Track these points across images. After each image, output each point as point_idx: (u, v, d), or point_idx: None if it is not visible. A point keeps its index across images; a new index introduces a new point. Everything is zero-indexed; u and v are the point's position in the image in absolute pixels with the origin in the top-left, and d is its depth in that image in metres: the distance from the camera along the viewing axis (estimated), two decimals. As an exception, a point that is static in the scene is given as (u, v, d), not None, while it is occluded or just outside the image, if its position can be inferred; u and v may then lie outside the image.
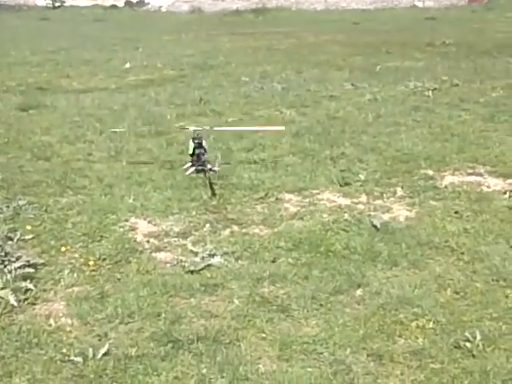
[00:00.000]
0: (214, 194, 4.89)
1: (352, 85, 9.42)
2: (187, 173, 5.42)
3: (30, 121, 7.71)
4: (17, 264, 3.65)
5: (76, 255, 3.98)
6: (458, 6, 27.03)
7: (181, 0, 31.20)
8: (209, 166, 5.27)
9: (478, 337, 2.98)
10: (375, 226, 4.27)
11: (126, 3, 32.26)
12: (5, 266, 3.64)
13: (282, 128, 6.38)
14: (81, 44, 16.03)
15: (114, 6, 31.65)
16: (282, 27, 20.06)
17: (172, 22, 23.92)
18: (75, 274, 3.72)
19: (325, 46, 14.59)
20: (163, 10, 31.06)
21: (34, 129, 7.21)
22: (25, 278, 3.57)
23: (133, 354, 2.96)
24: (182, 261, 3.84)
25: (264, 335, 3.10)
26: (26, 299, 3.43)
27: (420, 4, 31.82)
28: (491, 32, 16.30)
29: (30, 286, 3.51)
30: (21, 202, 4.76)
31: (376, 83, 9.55)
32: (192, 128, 5.69)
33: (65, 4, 32.11)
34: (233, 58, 12.90)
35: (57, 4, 31.92)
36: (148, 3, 32.18)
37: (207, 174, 5.19)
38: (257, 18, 25.37)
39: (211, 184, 5.01)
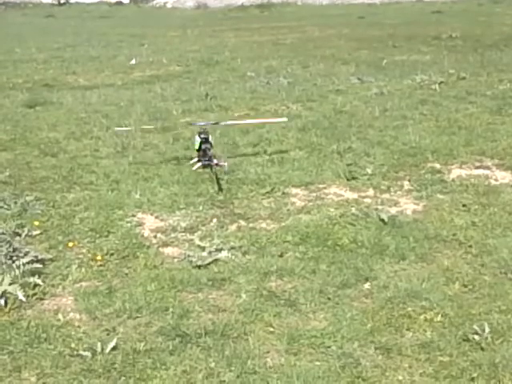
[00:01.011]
0: (220, 189, 4.89)
1: (358, 79, 9.39)
2: (194, 168, 5.42)
3: (36, 117, 7.73)
4: (25, 259, 3.66)
5: (84, 250, 3.99)
6: (464, -1, 26.88)
7: (186, -4, 31.13)
8: (215, 161, 5.27)
9: (487, 329, 2.97)
10: (382, 220, 4.26)
11: (131, -1, 32.24)
12: (13, 262, 3.65)
13: (285, 119, 6.39)
14: (86, 41, 16.05)
15: (119, 3, 31.64)
16: (287, 22, 20.01)
17: (177, 18, 23.90)
18: (83, 269, 3.73)
19: (330, 41, 14.54)
20: (168, 6, 31.04)
21: (41, 125, 7.23)
22: (33, 273, 3.59)
23: (141, 348, 2.97)
24: (189, 256, 3.84)
25: (272, 329, 3.10)
26: (34, 294, 3.45)
27: (426, -3, 31.60)
28: (498, 25, 16.19)
29: (38, 281, 3.52)
30: (28, 198, 4.78)
31: (382, 77, 9.51)
32: (199, 123, 5.69)
33: (70, 1, 32.15)
34: (238, 53, 12.88)
35: (62, 1, 31.96)
36: (153, -1, 32.14)
37: (214, 169, 5.19)
38: (262, 12, 25.31)
39: (218, 179, 5.01)
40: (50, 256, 3.86)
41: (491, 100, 7.74)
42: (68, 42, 15.85)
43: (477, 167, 5.39)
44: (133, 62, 12.32)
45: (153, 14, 26.88)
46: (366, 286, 3.48)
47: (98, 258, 3.85)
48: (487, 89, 8.36)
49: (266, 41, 15.03)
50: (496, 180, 5.07)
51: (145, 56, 12.93)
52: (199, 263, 3.75)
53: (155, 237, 4.20)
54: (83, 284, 3.59)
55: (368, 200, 4.73)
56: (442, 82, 8.81)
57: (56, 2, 31.76)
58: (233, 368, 2.81)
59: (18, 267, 3.58)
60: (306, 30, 17.25)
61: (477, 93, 8.16)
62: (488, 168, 5.35)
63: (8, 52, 14.15)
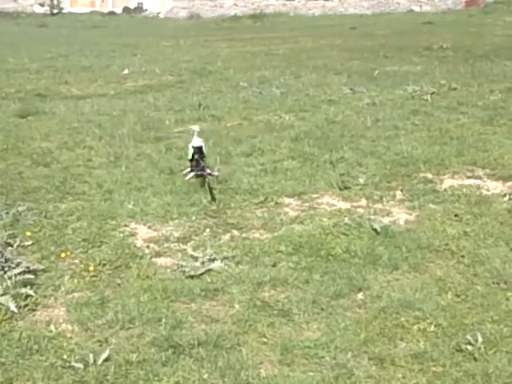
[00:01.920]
0: (213, 199, 4.89)
1: (350, 89, 9.43)
2: (187, 178, 5.42)
3: (29, 127, 7.70)
4: (17, 270, 3.64)
5: (76, 261, 3.97)
6: (455, 10, 27.13)
7: (179, 6, 31.30)
8: (208, 171, 5.27)
9: (480, 339, 2.97)
10: (375, 230, 4.27)
11: (124, 9, 32.32)
12: (5, 273, 3.63)
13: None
14: (79, 50, 16.04)
15: (112, 13, 31.69)
16: (280, 32, 20.10)
17: (170, 28, 23.96)
18: (75, 280, 3.71)
19: (323, 51, 14.61)
20: (161, 16, 31.13)
21: (33, 135, 7.21)
22: (25, 284, 3.57)
23: (134, 359, 2.95)
24: (182, 266, 3.83)
25: (265, 340, 3.09)
26: (26, 305, 3.42)
27: (417, 8, 31.88)
28: (488, 36, 16.34)
29: (30, 292, 3.50)
30: (20, 208, 4.75)
31: (374, 87, 9.56)
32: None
33: (63, 11, 32.17)
34: (231, 63, 12.92)
35: (55, 11, 31.97)
36: (146, 9, 32.26)
37: (206, 179, 5.19)
38: (255, 23, 25.43)
39: (211, 189, 5.01)
40: (42, 267, 3.84)
41: (482, 110, 7.79)
42: (61, 51, 15.85)
43: (468, 177, 5.42)
44: (125, 71, 12.33)
45: (145, 24, 26.93)
46: (360, 296, 3.48)
47: (91, 268, 3.83)
48: (478, 99, 8.42)
49: (259, 51, 15.08)
50: (488, 190, 5.10)
51: (137, 66, 12.94)
52: (192, 273, 3.74)
53: (148, 247, 4.19)
54: (75, 295, 3.57)
55: (361, 210, 4.74)
56: (433, 93, 8.86)
57: (49, 12, 31.77)
58: (226, 379, 2.80)
59: (10, 278, 3.56)
60: (298, 40, 17.34)
61: (468, 103, 8.21)
62: (480, 178, 5.38)
63: (0, 61, 14.12)
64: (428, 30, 18.83)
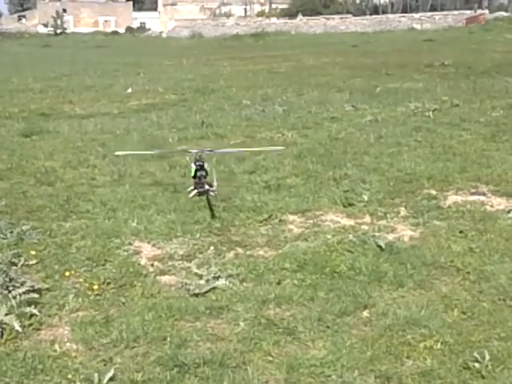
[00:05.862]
0: (213, 216, 4.88)
1: (352, 106, 9.47)
2: (190, 195, 5.42)
3: (33, 146, 7.74)
4: (21, 289, 3.63)
5: (80, 280, 3.96)
6: (455, 28, 27.31)
7: (181, 25, 31.56)
8: (206, 187, 5.24)
9: (487, 357, 2.95)
10: (380, 247, 4.25)
11: (126, 29, 32.62)
12: (9, 292, 3.62)
13: (282, 148, 6.43)
14: (83, 70, 16.18)
15: (115, 32, 31.99)
16: (281, 50, 20.27)
17: (172, 47, 24.15)
18: (80, 299, 3.70)
19: (324, 69, 14.71)
20: (164, 35, 31.39)
21: (37, 154, 7.24)
22: (29, 303, 3.55)
23: (139, 378, 2.93)
24: (186, 284, 3.82)
25: (271, 358, 3.07)
26: (30, 325, 3.41)
27: (418, 26, 32.11)
28: (489, 52, 16.44)
29: (35, 311, 3.49)
30: (25, 227, 4.76)
31: (376, 104, 9.61)
32: (194, 150, 5.71)
33: (66, 31, 32.48)
34: (233, 81, 13.01)
35: (58, 31, 32.28)
36: (149, 29, 32.56)
37: (206, 195, 5.17)
38: (257, 41, 25.64)
39: (210, 205, 5.00)
40: (46, 286, 3.83)
41: (485, 127, 7.82)
42: (64, 71, 15.98)
43: (472, 193, 5.41)
44: (129, 90, 12.42)
45: (148, 44, 27.16)
46: (365, 313, 3.46)
47: (95, 287, 3.82)
48: (480, 115, 8.45)
49: (261, 69, 15.19)
50: (492, 206, 5.09)
51: (141, 85, 13.05)
52: (197, 291, 3.72)
53: (152, 265, 4.17)
54: (80, 314, 3.55)
55: (365, 227, 4.73)
56: (435, 109, 8.90)
57: (52, 32, 32.06)
58: (232, 398, 2.78)
59: (15, 297, 3.55)
60: (300, 58, 17.46)
61: (470, 119, 8.24)
62: (483, 194, 5.37)
63: (4, 81, 14.24)
64: (429, 48, 18.97)
